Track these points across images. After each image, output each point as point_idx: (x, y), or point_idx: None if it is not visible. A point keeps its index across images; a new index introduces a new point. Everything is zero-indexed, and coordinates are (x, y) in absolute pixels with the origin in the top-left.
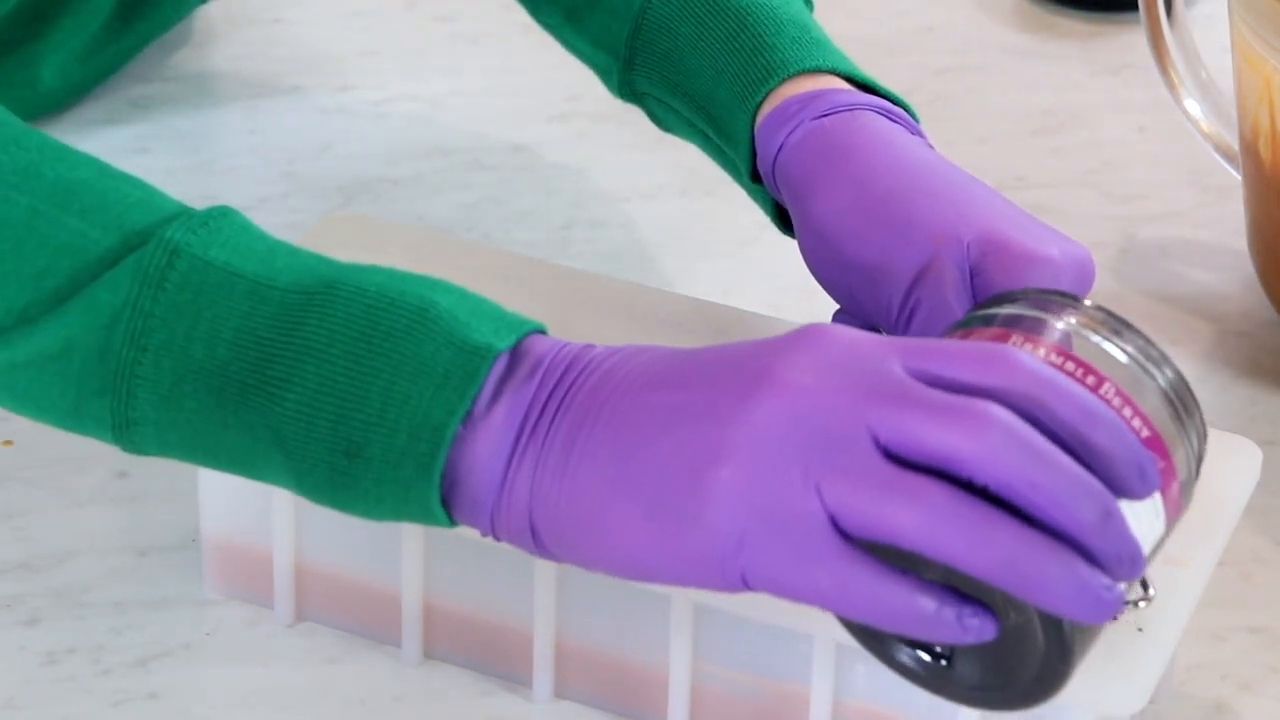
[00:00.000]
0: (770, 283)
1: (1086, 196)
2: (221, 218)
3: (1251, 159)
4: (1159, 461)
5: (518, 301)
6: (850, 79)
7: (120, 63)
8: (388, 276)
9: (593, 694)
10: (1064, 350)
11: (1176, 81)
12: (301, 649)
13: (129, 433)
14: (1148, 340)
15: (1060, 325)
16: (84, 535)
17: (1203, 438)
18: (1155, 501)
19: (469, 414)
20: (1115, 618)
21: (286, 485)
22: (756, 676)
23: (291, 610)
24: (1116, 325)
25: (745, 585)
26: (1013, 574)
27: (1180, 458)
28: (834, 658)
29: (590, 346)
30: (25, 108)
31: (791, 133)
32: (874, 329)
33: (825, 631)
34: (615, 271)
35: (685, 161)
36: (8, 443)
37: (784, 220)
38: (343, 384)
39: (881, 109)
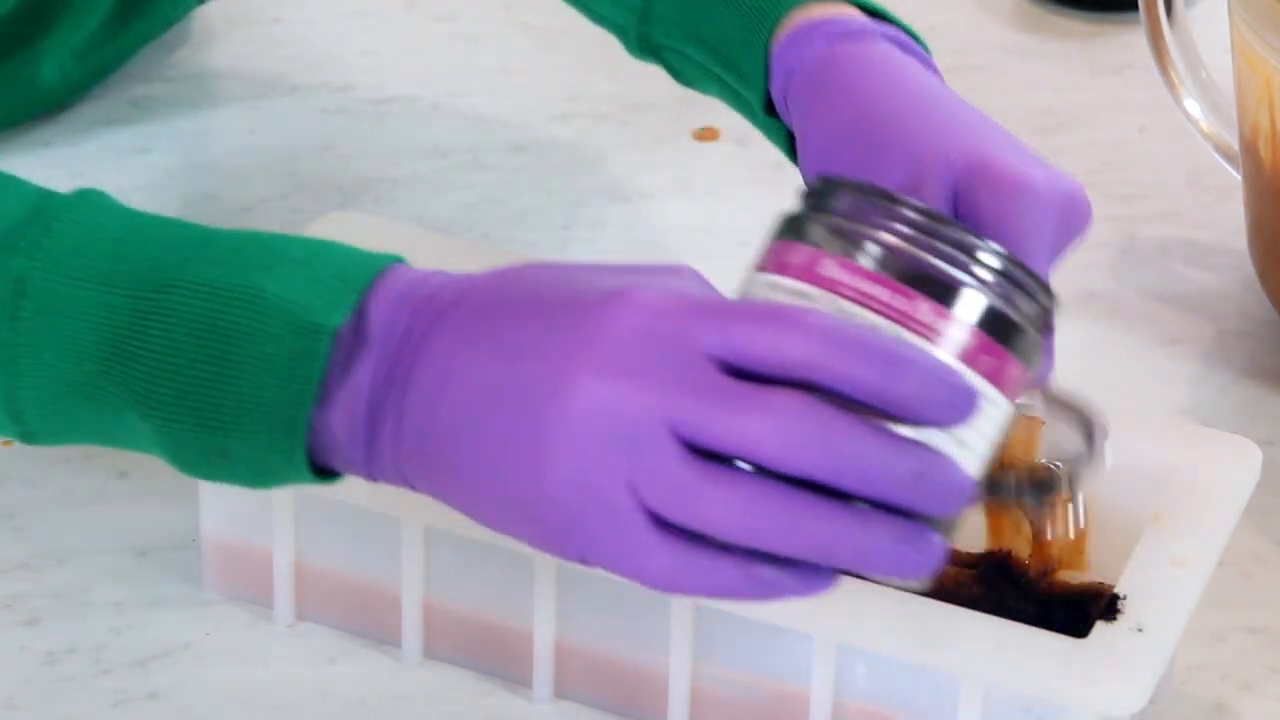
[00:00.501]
0: None
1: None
2: (66, 211)
3: (1251, 159)
4: (990, 358)
5: None
6: (863, 8)
7: (120, 62)
8: (221, 263)
9: (593, 694)
10: (874, 273)
11: (1176, 81)
12: (301, 649)
13: (35, 440)
14: (964, 230)
15: (873, 238)
16: (84, 535)
17: (1042, 292)
18: (990, 398)
19: (320, 395)
20: (934, 571)
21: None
22: (756, 676)
23: (291, 610)
24: (931, 224)
25: (586, 564)
26: (824, 556)
27: (1019, 336)
28: (834, 658)
29: (433, 292)
30: (25, 106)
31: (803, 56)
32: None
33: (825, 631)
34: None
35: (685, 161)
36: (8, 443)
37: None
38: (196, 393)
39: (894, 38)
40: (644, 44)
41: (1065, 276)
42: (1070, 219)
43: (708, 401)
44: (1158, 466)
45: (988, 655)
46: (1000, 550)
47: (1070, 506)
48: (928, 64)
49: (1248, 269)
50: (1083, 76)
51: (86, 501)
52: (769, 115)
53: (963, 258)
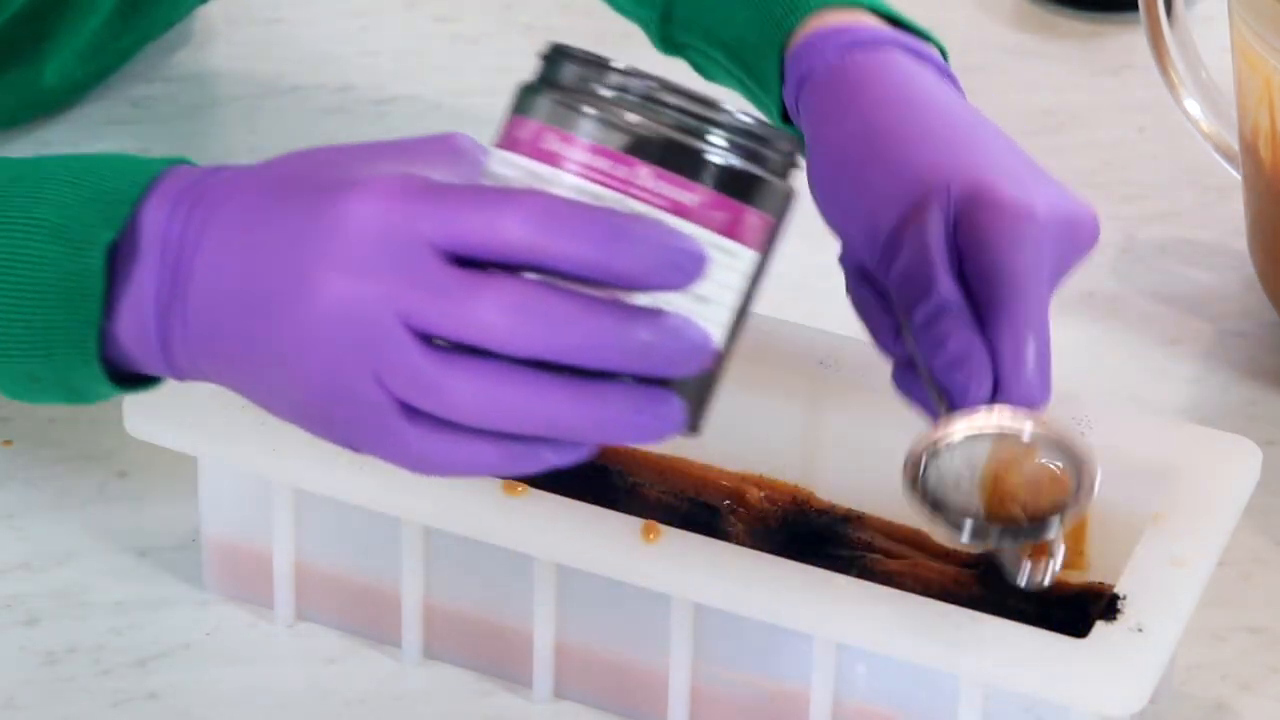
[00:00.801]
0: (770, 283)
1: (1087, 196)
2: None
3: (1251, 159)
4: (721, 212)
5: None
6: (880, 14)
7: (120, 62)
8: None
9: (593, 694)
10: (593, 144)
11: (1176, 81)
12: (301, 649)
13: None
14: (679, 90)
15: (590, 108)
16: (84, 535)
17: (775, 137)
18: (727, 250)
19: (107, 310)
20: (677, 432)
21: None
22: (756, 676)
23: (291, 610)
24: (645, 88)
25: (359, 452)
26: (565, 432)
27: (751, 185)
28: (834, 658)
29: (203, 193)
30: (26, 107)
31: (815, 65)
32: (864, 268)
33: (825, 631)
34: None
35: None
36: (8, 443)
37: None
38: None
39: (910, 47)
40: (667, 42)
41: None
42: (1073, 242)
43: (432, 294)
44: (1158, 466)
45: (988, 655)
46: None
47: (1050, 553)
48: (943, 71)
49: (1248, 269)
50: (1083, 76)
51: (86, 501)
52: (786, 121)
53: (677, 118)
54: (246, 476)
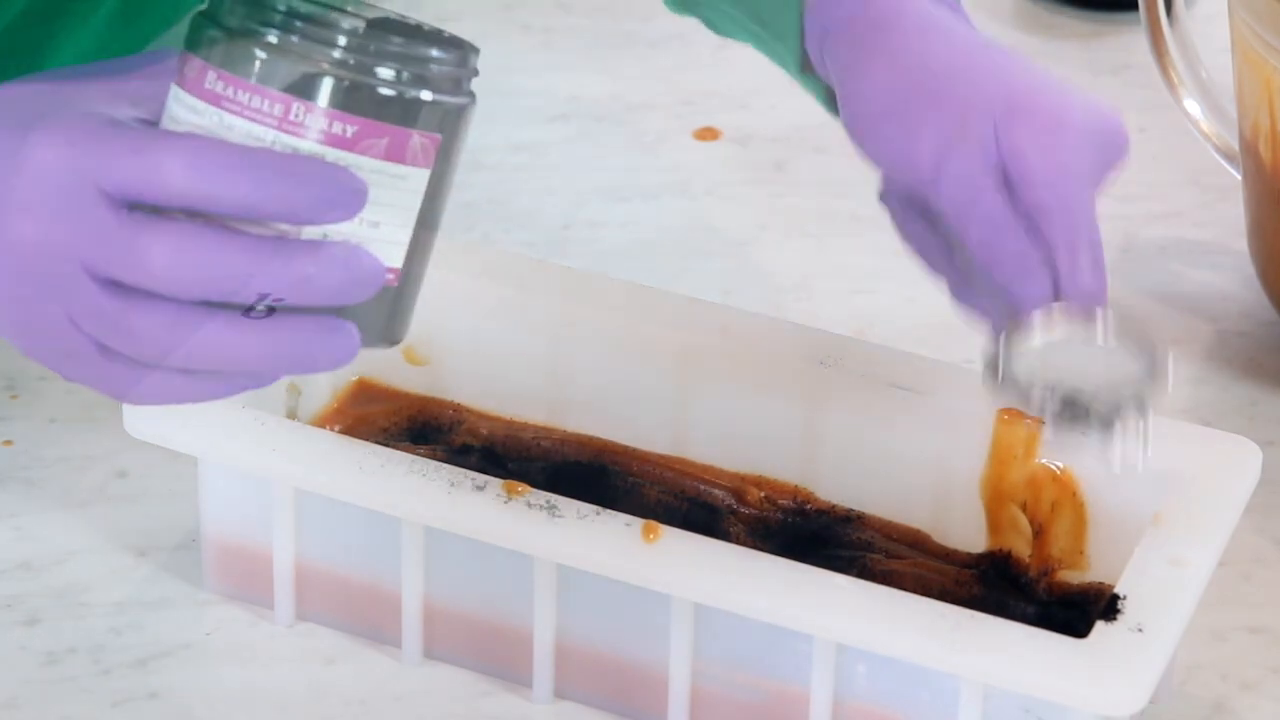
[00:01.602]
0: (770, 282)
1: None
2: None
3: (1251, 159)
4: (380, 139)
5: (517, 301)
6: None
7: None
8: None
9: (593, 694)
10: (245, 81)
11: (1176, 81)
12: (301, 649)
13: None
14: (323, 15)
15: (243, 43)
16: (84, 535)
17: (442, 57)
18: (394, 174)
19: None
20: (352, 358)
21: None
22: (756, 676)
23: (291, 610)
24: (306, 22)
25: (74, 383)
26: (244, 366)
27: (409, 106)
28: (834, 658)
29: None
30: None
31: (838, 13)
32: (913, 197)
33: (825, 631)
34: (615, 271)
35: (685, 161)
36: (8, 443)
37: (835, 106)
38: None
39: None
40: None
41: None
42: (1108, 150)
43: (100, 241)
44: (1158, 466)
45: (988, 655)
46: (1000, 550)
47: (1141, 427)
48: (956, 10)
49: (1248, 269)
50: (1083, 76)
51: (86, 501)
52: (805, 72)
53: (329, 53)
54: (246, 476)
